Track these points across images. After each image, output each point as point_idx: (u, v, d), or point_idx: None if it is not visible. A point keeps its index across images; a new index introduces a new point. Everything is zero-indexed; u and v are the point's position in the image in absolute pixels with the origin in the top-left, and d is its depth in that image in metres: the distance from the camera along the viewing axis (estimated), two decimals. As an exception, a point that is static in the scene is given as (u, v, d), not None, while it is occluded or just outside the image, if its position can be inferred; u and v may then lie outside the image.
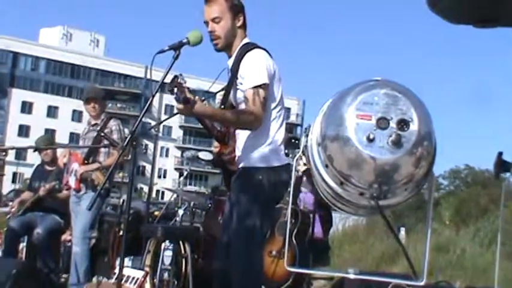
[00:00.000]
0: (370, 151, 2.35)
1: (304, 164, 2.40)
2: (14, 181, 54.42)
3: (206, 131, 4.15)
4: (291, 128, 72.39)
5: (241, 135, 4.03)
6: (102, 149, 6.96)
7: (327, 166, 2.48)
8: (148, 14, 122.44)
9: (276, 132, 3.94)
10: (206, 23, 4.05)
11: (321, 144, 2.50)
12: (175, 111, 3.81)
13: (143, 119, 3.79)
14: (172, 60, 3.68)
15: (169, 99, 74.82)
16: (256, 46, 4.01)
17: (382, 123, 2.36)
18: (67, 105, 78.38)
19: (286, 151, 2.61)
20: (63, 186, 7.47)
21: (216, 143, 4.20)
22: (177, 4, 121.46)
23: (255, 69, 3.87)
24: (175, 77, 3.50)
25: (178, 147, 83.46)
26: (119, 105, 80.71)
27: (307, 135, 2.60)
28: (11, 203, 8.77)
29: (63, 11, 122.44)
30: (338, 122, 2.42)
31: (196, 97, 3.62)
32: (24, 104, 77.63)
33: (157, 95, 3.95)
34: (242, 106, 3.94)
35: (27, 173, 46.46)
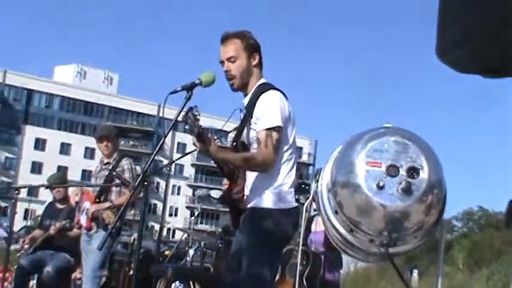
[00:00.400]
0: (380, 198, 2.35)
1: (315, 210, 2.39)
2: (25, 218, 54.47)
3: (217, 167, 4.15)
4: (302, 167, 72.37)
5: (251, 175, 4.03)
6: (114, 188, 6.97)
7: (336, 212, 2.48)
8: (161, 52, 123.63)
9: (286, 175, 3.93)
10: (222, 62, 4.08)
11: (331, 190, 2.50)
12: (187, 150, 3.82)
13: (155, 157, 3.79)
14: (185, 100, 3.69)
15: (181, 137, 75.14)
16: (272, 87, 4.02)
17: (392, 170, 2.36)
18: (80, 142, 78.70)
19: (297, 196, 2.60)
20: (74, 225, 7.47)
21: (225, 180, 4.19)
22: (190, 43, 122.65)
23: (269, 111, 3.88)
24: (190, 108, 3.52)
25: (190, 186, 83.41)
26: (131, 142, 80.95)
27: (317, 181, 2.61)
28: (22, 240, 8.78)
29: (77, 49, 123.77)
30: (348, 168, 2.42)
31: (209, 135, 3.64)
32: (37, 140, 78.04)
33: (170, 133, 3.96)
34: (254, 146, 3.95)
35: (39, 209, 46.48)
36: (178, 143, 78.20)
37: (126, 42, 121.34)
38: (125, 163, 7.00)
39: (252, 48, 4.08)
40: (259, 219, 3.91)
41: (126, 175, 6.86)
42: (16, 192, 7.21)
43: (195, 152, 3.92)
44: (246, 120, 4.03)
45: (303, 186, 2.45)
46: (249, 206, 4.02)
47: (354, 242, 2.46)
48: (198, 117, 3.51)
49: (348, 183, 2.40)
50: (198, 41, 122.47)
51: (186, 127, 3.48)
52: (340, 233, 2.48)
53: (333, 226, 2.48)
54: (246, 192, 4.05)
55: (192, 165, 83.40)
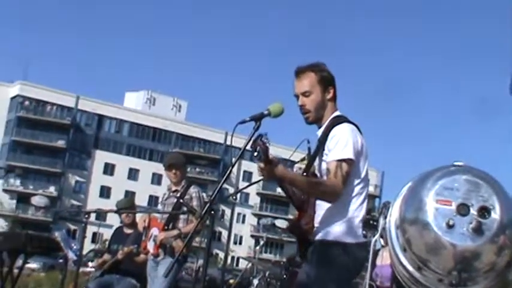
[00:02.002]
0: (450, 237, 2.31)
1: (382, 246, 2.36)
2: (93, 241, 55.36)
3: (286, 197, 4.13)
4: (369, 200, 71.34)
5: (321, 206, 4.00)
6: (182, 215, 7.04)
7: (405, 250, 2.45)
8: (230, 82, 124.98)
9: (357, 208, 3.88)
10: (296, 96, 4.08)
11: (399, 227, 2.48)
12: (253, 178, 3.84)
13: (219, 185, 3.82)
14: (253, 131, 3.73)
15: (247, 165, 75.29)
16: (345, 120, 4.00)
17: (463, 209, 2.32)
18: (147, 168, 79.69)
19: (364, 232, 2.58)
20: (142, 250, 7.56)
21: (294, 211, 4.16)
22: (258, 74, 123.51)
23: (341, 143, 3.85)
24: (260, 135, 3.53)
25: (255, 214, 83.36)
26: (197, 169, 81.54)
27: (385, 217, 2.58)
28: (90, 263, 8.94)
29: (148, 76, 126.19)
30: (417, 205, 2.39)
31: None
32: (106, 165, 79.35)
33: (233, 161, 3.99)
34: (325, 177, 3.94)
35: (106, 233, 47.17)
36: (245, 172, 78.39)
37: (196, 70, 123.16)
38: (193, 191, 7.07)
39: (327, 81, 4.06)
40: (327, 251, 3.88)
41: (194, 203, 6.93)
42: (86, 216, 7.35)
43: (261, 181, 3.92)
44: (318, 152, 4.03)
45: (371, 222, 2.42)
46: (317, 238, 4.00)
47: (422, 280, 2.41)
48: (267, 144, 3.53)
49: (416, 220, 2.37)
50: (265, 70, 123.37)
51: (255, 154, 3.49)
52: (408, 271, 2.44)
53: (401, 263, 2.45)
54: (316, 223, 4.03)
55: (258, 194, 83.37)
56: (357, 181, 3.93)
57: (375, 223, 2.68)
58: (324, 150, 3.96)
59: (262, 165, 3.58)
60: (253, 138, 3.57)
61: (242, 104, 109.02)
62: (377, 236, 2.55)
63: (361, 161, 3.95)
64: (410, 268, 2.43)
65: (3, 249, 7.98)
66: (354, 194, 3.92)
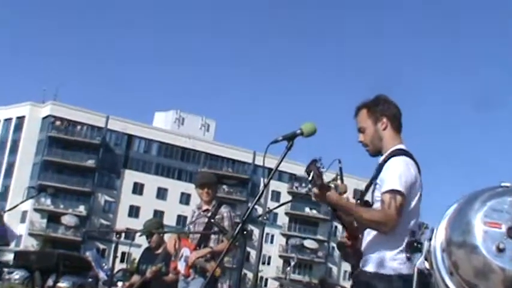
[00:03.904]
0: (500, 262, 2.22)
1: (427, 269, 2.30)
2: (122, 260, 55.58)
3: (342, 225, 4.15)
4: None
5: (371, 234, 3.96)
6: (213, 235, 7.00)
7: (451, 273, 2.37)
8: (258, 101, 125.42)
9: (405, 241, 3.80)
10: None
11: (445, 250, 2.40)
12: (281, 198, 3.82)
13: (250, 205, 3.83)
14: (286, 150, 3.72)
15: (276, 185, 75.21)
16: (403, 153, 3.98)
17: (513, 232, 2.25)
18: (176, 187, 80.00)
19: (408, 255, 2.51)
20: (171, 270, 7.52)
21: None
22: (286, 94, 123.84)
23: (394, 175, 3.83)
24: (314, 161, 3.54)
25: (284, 234, 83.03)
26: (226, 189, 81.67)
27: (430, 239, 2.51)
28: (119, 283, 8.92)
29: (177, 96, 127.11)
30: (464, 228, 2.32)
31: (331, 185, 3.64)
32: (135, 185, 79.77)
33: (265, 181, 3.99)
34: (377, 205, 3.90)
35: (135, 252, 47.30)
36: (273, 191, 78.27)
37: (224, 90, 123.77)
38: (224, 211, 7.04)
39: (377, 113, 4.12)
40: (372, 283, 3.82)
41: (225, 223, 6.89)
42: (118, 236, 7.33)
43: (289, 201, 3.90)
44: (372, 181, 4.04)
45: (415, 244, 2.36)
46: (368, 269, 3.94)
47: (470, 305, 2.34)
48: (321, 169, 3.53)
49: (464, 243, 2.29)
50: (293, 90, 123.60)
51: (310, 178, 3.48)
52: (455, 296, 2.37)
53: (447, 287, 2.38)
54: (364, 250, 4.00)
55: (286, 213, 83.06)
56: (406, 213, 3.86)
57: (419, 245, 2.61)
58: (377, 180, 3.96)
59: (316, 190, 3.60)
60: (285, 162, 3.56)
61: (270, 124, 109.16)
62: (421, 258, 2.47)
63: (412, 194, 3.89)
64: (457, 293, 2.35)
65: (36, 268, 8.01)
66: (405, 227, 3.81)
